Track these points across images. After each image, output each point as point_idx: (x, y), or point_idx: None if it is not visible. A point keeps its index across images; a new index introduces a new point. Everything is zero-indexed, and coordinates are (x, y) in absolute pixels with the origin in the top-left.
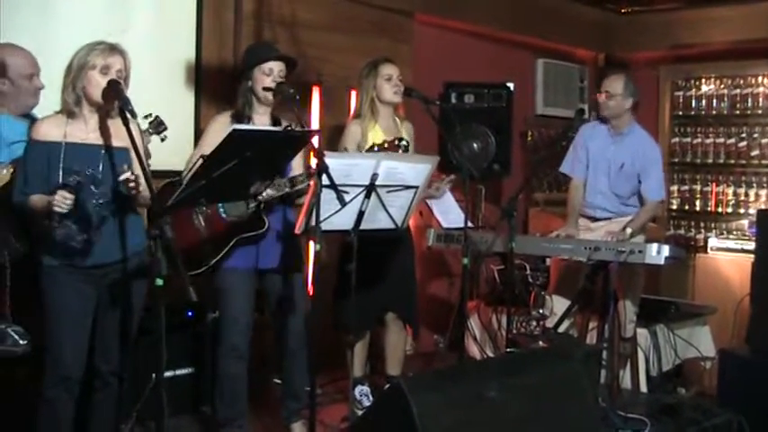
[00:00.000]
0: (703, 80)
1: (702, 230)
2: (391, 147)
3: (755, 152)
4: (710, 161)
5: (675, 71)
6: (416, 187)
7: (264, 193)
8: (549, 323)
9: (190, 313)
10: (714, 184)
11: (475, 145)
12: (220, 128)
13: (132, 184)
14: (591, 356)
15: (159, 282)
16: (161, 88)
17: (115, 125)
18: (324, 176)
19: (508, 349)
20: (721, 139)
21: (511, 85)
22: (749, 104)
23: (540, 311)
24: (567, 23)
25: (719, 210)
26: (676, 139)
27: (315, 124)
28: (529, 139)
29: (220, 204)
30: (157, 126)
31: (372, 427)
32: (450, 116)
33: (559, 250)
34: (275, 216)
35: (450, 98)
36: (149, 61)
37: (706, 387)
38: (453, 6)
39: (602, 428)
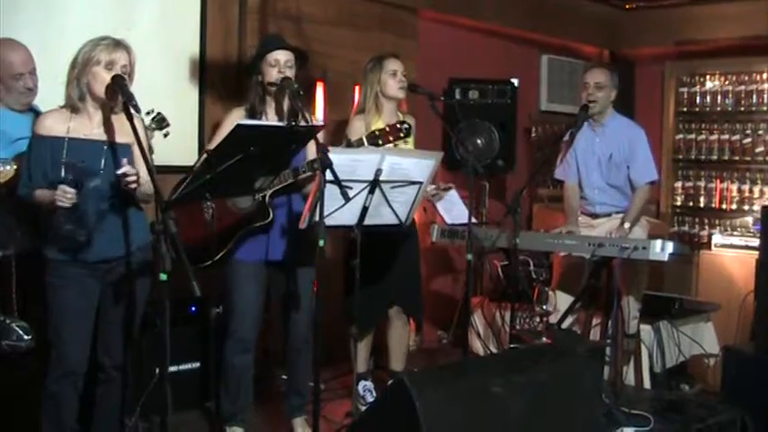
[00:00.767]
0: (708, 77)
1: (706, 227)
2: (393, 130)
3: (760, 149)
4: (715, 158)
5: (680, 67)
6: (420, 183)
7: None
8: (553, 319)
9: (193, 308)
10: (718, 180)
11: (479, 141)
12: (233, 122)
13: (131, 179)
14: (594, 353)
15: (163, 277)
16: (166, 83)
17: (119, 121)
18: (328, 172)
19: (512, 345)
20: (726, 136)
21: (515, 81)
22: (754, 101)
23: (544, 307)
24: (572, 19)
25: (724, 206)
26: (681, 136)
27: (319, 119)
28: (533, 135)
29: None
30: (160, 122)
31: (376, 422)
32: (456, 112)
33: (563, 246)
34: (282, 209)
35: (454, 94)
36: (154, 56)
37: (710, 384)
38: (458, 2)
39: (605, 425)
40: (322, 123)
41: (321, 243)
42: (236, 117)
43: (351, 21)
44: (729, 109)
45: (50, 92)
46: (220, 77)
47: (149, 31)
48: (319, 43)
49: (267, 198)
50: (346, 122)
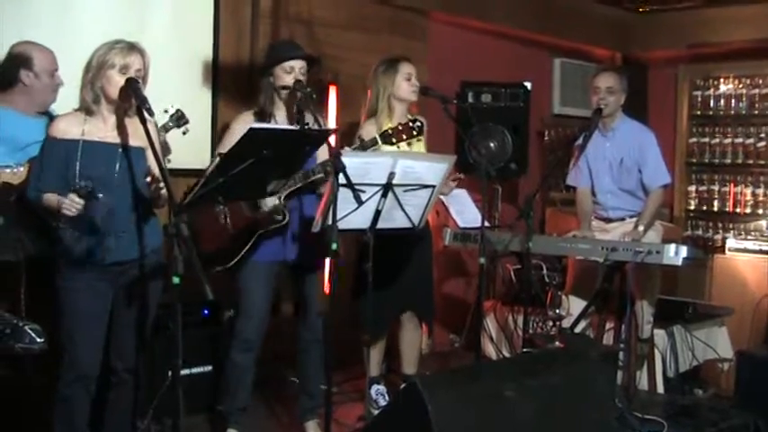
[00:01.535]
0: (722, 80)
1: (720, 231)
2: (406, 128)
3: None
4: (729, 161)
5: (694, 70)
6: (433, 186)
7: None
8: (566, 323)
9: (205, 312)
10: (732, 184)
11: (492, 144)
12: (244, 125)
13: (158, 185)
14: (607, 357)
15: (176, 280)
16: (179, 86)
17: (133, 124)
18: (341, 175)
19: (524, 349)
20: (740, 139)
21: (528, 85)
22: None
23: (557, 312)
24: (585, 22)
25: (737, 210)
26: (694, 139)
27: (332, 123)
28: (546, 138)
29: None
30: (179, 120)
31: (388, 426)
32: (469, 115)
33: (577, 250)
34: (293, 210)
35: (467, 97)
36: (167, 60)
37: (723, 389)
38: (469, 5)
39: (618, 429)
40: (335, 127)
41: (334, 246)
42: (245, 120)
43: (361, 24)
44: (743, 112)
45: (64, 95)
46: (233, 80)
47: (162, 34)
48: (330, 46)
49: (282, 200)
50: (357, 125)
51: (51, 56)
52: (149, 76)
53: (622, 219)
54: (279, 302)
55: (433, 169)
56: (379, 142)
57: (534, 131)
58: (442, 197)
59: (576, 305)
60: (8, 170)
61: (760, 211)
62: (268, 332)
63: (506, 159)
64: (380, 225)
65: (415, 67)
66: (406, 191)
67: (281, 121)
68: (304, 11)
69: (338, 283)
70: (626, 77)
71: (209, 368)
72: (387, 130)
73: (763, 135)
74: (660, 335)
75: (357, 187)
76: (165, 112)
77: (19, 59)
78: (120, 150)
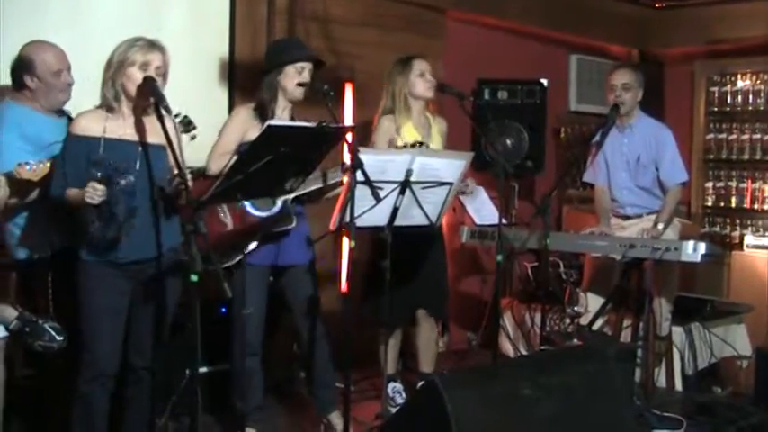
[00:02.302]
0: (739, 76)
1: (738, 228)
2: None
3: None
4: (746, 157)
5: (711, 67)
6: (451, 183)
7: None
8: (583, 321)
9: (223, 309)
10: (750, 180)
11: (508, 141)
12: (241, 121)
13: (181, 180)
14: (626, 355)
15: (194, 278)
16: (195, 85)
17: (152, 122)
18: (358, 172)
19: (542, 347)
20: (757, 135)
21: (545, 82)
22: None
23: (575, 309)
24: (601, 19)
25: (755, 207)
26: (711, 136)
27: (348, 120)
28: (562, 135)
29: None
30: (186, 125)
31: (407, 424)
32: (485, 112)
33: (594, 247)
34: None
35: (483, 94)
36: (183, 58)
37: (742, 386)
38: (486, 2)
39: (637, 427)
40: (353, 124)
41: (351, 244)
42: (243, 116)
43: (377, 21)
44: (761, 108)
45: (81, 93)
46: (249, 79)
47: (178, 32)
48: (346, 44)
49: (289, 203)
50: (372, 123)
51: (57, 55)
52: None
53: (640, 216)
54: (280, 304)
55: (451, 166)
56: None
57: (551, 129)
58: (460, 196)
59: (593, 302)
60: (27, 167)
61: None
62: (279, 333)
63: (522, 157)
64: (398, 222)
65: (430, 64)
66: (423, 188)
67: (284, 118)
68: (319, 8)
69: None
70: (642, 73)
71: (227, 366)
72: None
73: None
74: (678, 332)
75: (375, 184)
76: (175, 117)
77: (22, 64)
78: (141, 148)
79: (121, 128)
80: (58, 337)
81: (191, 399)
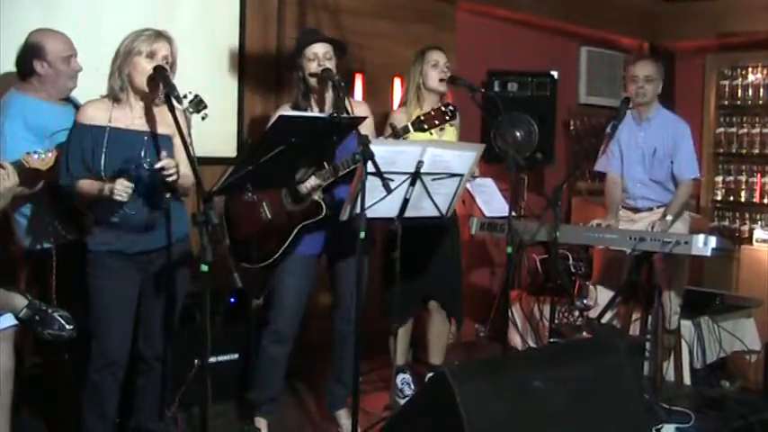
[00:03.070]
0: (750, 69)
1: (747, 222)
2: (438, 113)
3: None
4: (756, 151)
5: (721, 60)
6: (462, 175)
7: (309, 183)
8: (592, 314)
9: (232, 299)
10: (760, 174)
11: (518, 134)
12: None
13: (169, 172)
14: (636, 348)
15: (204, 268)
16: (205, 75)
17: (161, 112)
18: (369, 163)
19: (551, 339)
20: None
21: (555, 74)
22: None
23: (585, 302)
24: (612, 11)
25: (765, 201)
26: (722, 129)
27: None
28: (572, 128)
29: (284, 193)
30: (197, 105)
31: (416, 415)
32: (497, 104)
33: (604, 240)
34: (337, 202)
35: (493, 86)
36: (193, 49)
37: (751, 381)
38: None
39: (646, 421)
40: (364, 115)
41: (362, 235)
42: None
43: (389, 13)
44: None
45: (91, 83)
46: (259, 69)
47: (189, 23)
48: (357, 35)
49: (319, 194)
50: (384, 115)
51: (65, 41)
52: (177, 65)
53: (650, 209)
54: (315, 294)
55: (462, 158)
56: (411, 130)
57: (560, 121)
58: (468, 186)
59: (603, 295)
60: (35, 156)
61: None
62: (303, 324)
63: (533, 149)
64: (408, 214)
65: (445, 55)
66: (434, 179)
67: (317, 112)
68: None
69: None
70: (662, 65)
71: (236, 356)
72: (419, 117)
73: None
74: (687, 326)
75: (385, 175)
76: (184, 97)
77: (32, 49)
78: (147, 138)
79: (128, 117)
80: (68, 326)
81: (201, 389)
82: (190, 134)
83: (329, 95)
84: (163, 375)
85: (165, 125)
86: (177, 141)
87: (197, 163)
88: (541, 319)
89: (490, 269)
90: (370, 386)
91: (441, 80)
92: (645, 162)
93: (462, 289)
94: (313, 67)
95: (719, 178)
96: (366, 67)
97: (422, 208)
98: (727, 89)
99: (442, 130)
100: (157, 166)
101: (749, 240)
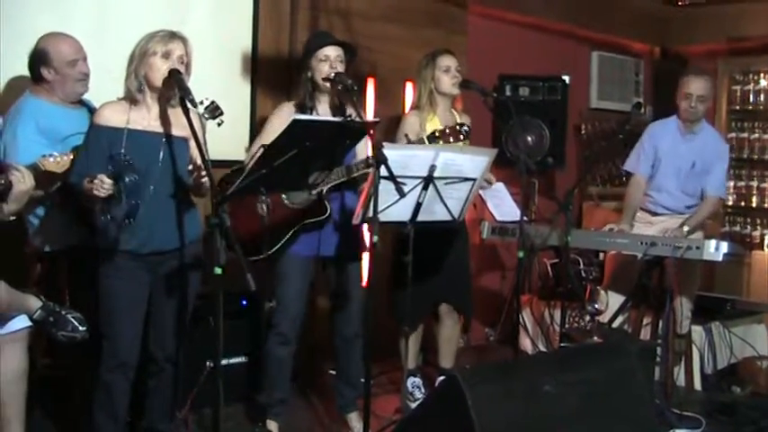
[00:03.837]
0: (762, 74)
1: (759, 227)
2: (453, 132)
3: None
4: None
5: (733, 65)
6: (474, 179)
7: (322, 183)
8: (603, 318)
9: (244, 302)
10: None
11: (529, 138)
12: (285, 117)
13: (201, 173)
14: (647, 352)
15: (218, 270)
16: (218, 78)
17: (176, 114)
18: (382, 167)
19: (562, 344)
20: None
21: (566, 78)
22: None
23: (596, 306)
24: (623, 16)
25: None
26: (733, 134)
27: (370, 115)
28: (582, 132)
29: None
30: (213, 111)
31: (428, 418)
32: (510, 109)
33: (616, 245)
34: (335, 204)
35: (504, 90)
36: (206, 51)
37: (762, 386)
38: None
39: (656, 425)
40: (377, 119)
41: (375, 239)
42: (287, 111)
43: (400, 16)
44: None
45: (104, 86)
46: (272, 72)
47: (202, 26)
48: (368, 39)
49: (324, 193)
50: (396, 118)
51: (71, 45)
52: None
53: (668, 215)
54: (316, 296)
55: (474, 162)
56: (426, 143)
57: (571, 125)
58: (480, 190)
59: (613, 300)
60: (51, 159)
61: None
62: (305, 325)
63: (544, 153)
64: (421, 218)
65: (456, 59)
66: (446, 183)
67: (322, 113)
68: (342, 2)
69: (376, 276)
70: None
71: (246, 359)
72: (434, 132)
73: None
74: (698, 331)
75: (398, 179)
76: (201, 103)
77: (39, 56)
78: (164, 140)
79: (145, 119)
80: (81, 328)
81: (213, 391)
82: (205, 138)
83: (335, 98)
84: (174, 377)
85: (180, 127)
86: (192, 144)
87: (210, 165)
88: (552, 323)
89: (500, 273)
90: (380, 389)
91: (453, 85)
92: (681, 174)
93: (471, 290)
94: (325, 69)
95: (731, 183)
96: (377, 70)
97: (434, 212)
98: (738, 94)
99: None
100: (190, 167)
101: (760, 246)
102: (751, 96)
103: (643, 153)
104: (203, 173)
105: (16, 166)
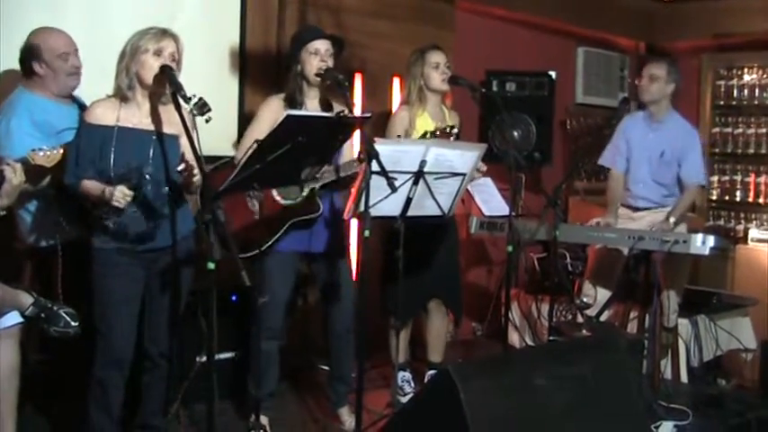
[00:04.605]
0: (746, 69)
1: (743, 221)
2: (443, 135)
3: None
4: (752, 151)
5: (717, 60)
6: (464, 174)
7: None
8: (590, 312)
9: (234, 297)
10: (754, 174)
11: (516, 133)
12: (274, 110)
13: (193, 172)
14: (636, 346)
15: (211, 266)
16: (206, 74)
17: (167, 112)
18: (373, 163)
19: (551, 338)
20: (763, 130)
21: (553, 74)
22: None
23: (584, 300)
24: (609, 11)
25: (760, 200)
26: (717, 129)
27: (358, 111)
28: (568, 127)
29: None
30: (201, 107)
31: (420, 413)
32: (498, 104)
33: (603, 239)
34: (324, 201)
35: (491, 86)
36: (195, 47)
37: (746, 379)
38: None
39: (645, 418)
40: (369, 114)
41: (366, 234)
42: (275, 105)
43: (388, 12)
44: (767, 102)
45: (96, 84)
46: (260, 67)
47: (190, 22)
48: (357, 34)
49: (316, 190)
50: (385, 114)
51: (62, 38)
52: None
53: (649, 209)
54: (308, 292)
55: (465, 157)
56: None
57: (557, 120)
58: (468, 186)
59: (601, 294)
60: (41, 153)
61: None
62: (297, 321)
63: (530, 148)
64: (411, 213)
65: (445, 55)
66: (436, 178)
67: (311, 109)
68: None
69: (367, 271)
70: (676, 68)
71: (236, 354)
72: (425, 134)
73: None
74: (684, 324)
75: (389, 174)
76: (189, 99)
77: (29, 50)
78: (155, 138)
79: (136, 116)
80: (74, 323)
81: (207, 386)
82: (197, 134)
83: (323, 93)
84: (168, 373)
85: (171, 125)
86: (184, 141)
87: (203, 161)
88: (539, 317)
89: (487, 268)
90: (371, 384)
91: (443, 81)
92: (651, 164)
93: (461, 286)
94: (315, 63)
95: (715, 178)
96: (366, 66)
97: (424, 207)
98: (722, 89)
99: None
100: (179, 168)
101: (744, 240)
102: (735, 92)
103: (615, 148)
104: (195, 171)
105: (8, 160)
